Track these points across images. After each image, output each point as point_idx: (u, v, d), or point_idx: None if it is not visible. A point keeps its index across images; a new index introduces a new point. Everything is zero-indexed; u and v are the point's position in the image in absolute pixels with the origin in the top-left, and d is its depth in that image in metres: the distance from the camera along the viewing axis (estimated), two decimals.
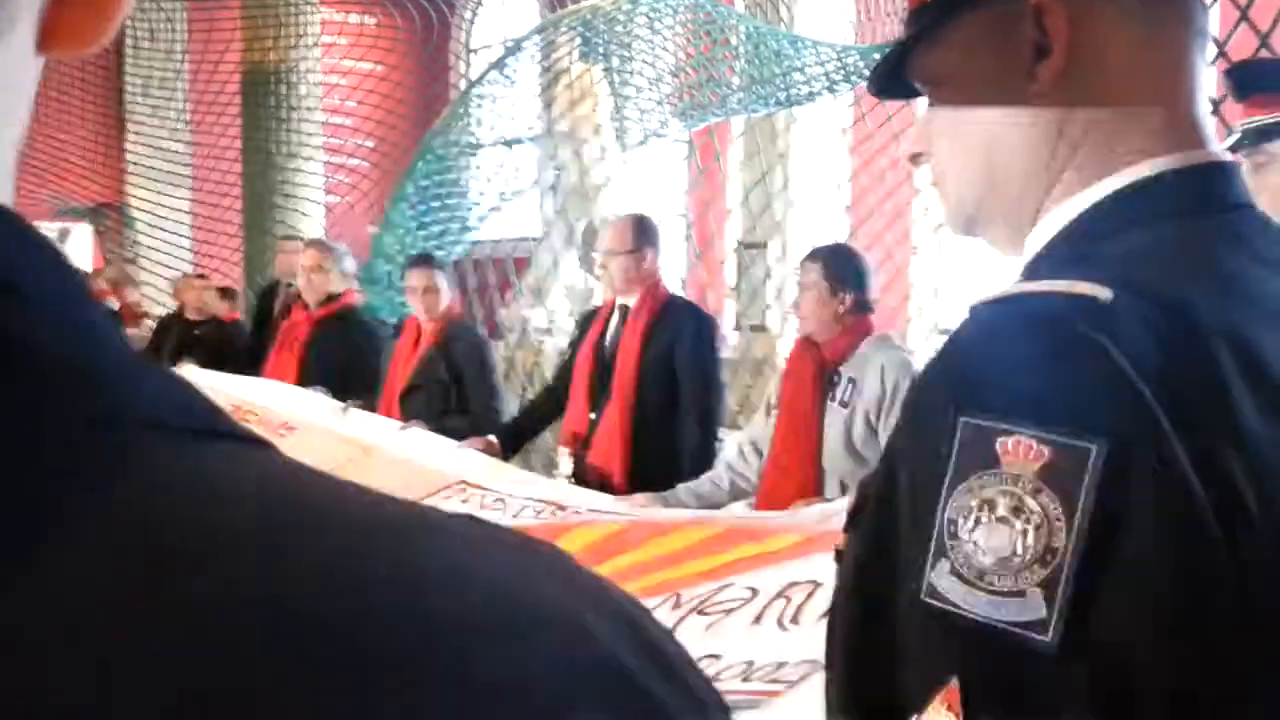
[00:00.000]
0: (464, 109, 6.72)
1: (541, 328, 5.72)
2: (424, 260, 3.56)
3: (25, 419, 0.22)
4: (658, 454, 2.79)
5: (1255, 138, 1.38)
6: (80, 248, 11.35)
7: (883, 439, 2.26)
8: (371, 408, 3.57)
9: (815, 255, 2.60)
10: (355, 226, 10.11)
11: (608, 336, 2.95)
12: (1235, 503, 0.53)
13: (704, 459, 2.78)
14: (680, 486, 2.57)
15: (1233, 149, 3.02)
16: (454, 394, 3.32)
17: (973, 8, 0.67)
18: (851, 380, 2.43)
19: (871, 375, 2.37)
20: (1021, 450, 0.54)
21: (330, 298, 3.68)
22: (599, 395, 2.89)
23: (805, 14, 8.45)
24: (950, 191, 0.74)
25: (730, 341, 9.24)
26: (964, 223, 0.75)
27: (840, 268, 2.53)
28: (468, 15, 13.53)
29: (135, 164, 10.78)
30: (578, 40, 6.53)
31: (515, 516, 2.49)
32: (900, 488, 0.62)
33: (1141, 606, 0.53)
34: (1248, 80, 1.49)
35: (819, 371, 2.48)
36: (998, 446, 0.55)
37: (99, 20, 0.28)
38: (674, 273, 6.25)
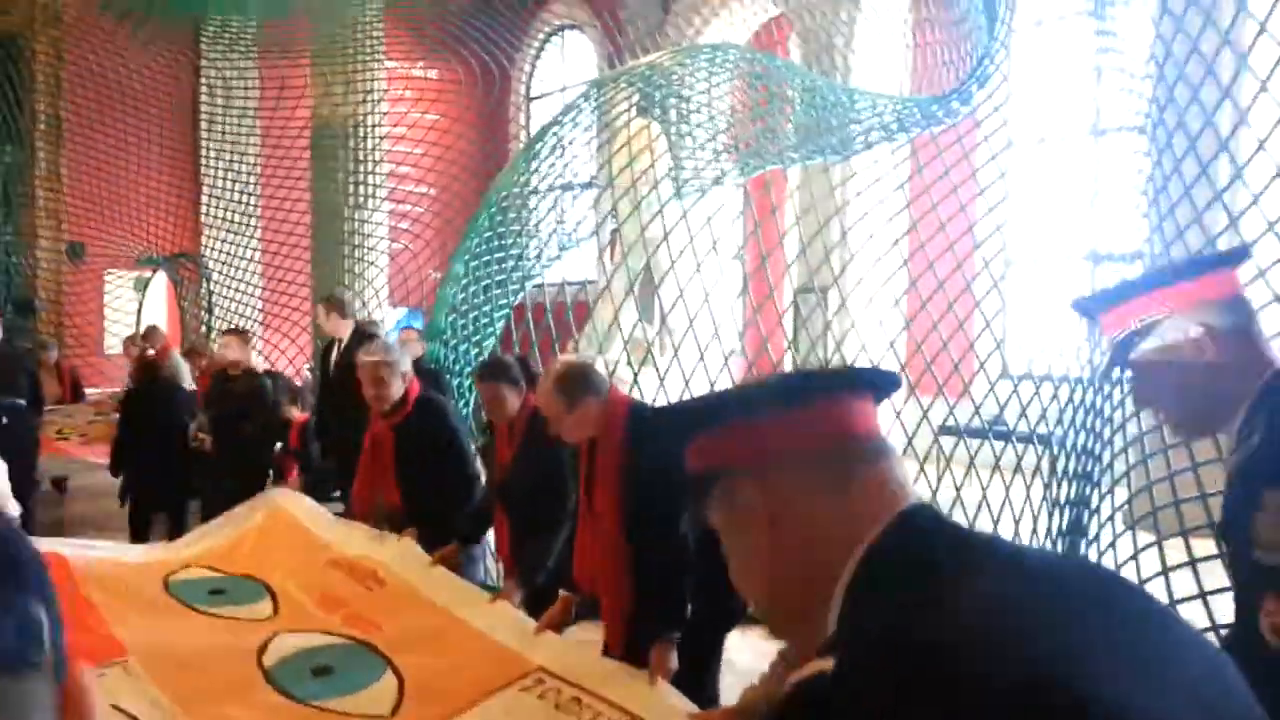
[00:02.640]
0: (524, 162, 6.89)
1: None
2: (482, 374, 3.52)
3: None
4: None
5: (1122, 352, 1.47)
6: (158, 294, 11.80)
7: None
8: (470, 492, 3.64)
9: None
10: (418, 272, 10.37)
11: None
12: None
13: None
14: None
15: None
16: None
17: (714, 484, 0.95)
18: None
19: None
20: None
21: (401, 402, 3.70)
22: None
23: (861, 66, 8.53)
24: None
25: None
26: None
27: None
28: (527, 68, 13.86)
29: (209, 215, 11.19)
30: (636, 95, 6.68)
31: None
32: None
33: None
34: (1087, 310, 1.61)
35: None
36: None
37: None
38: (731, 323, 6.28)
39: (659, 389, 5.36)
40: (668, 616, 2.71)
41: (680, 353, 5.39)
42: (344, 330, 6.19)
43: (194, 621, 3.07)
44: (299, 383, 10.19)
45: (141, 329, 11.41)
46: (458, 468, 3.69)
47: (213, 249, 11.15)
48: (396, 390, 3.66)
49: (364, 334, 6.32)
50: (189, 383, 6.80)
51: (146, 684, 2.57)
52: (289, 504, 3.93)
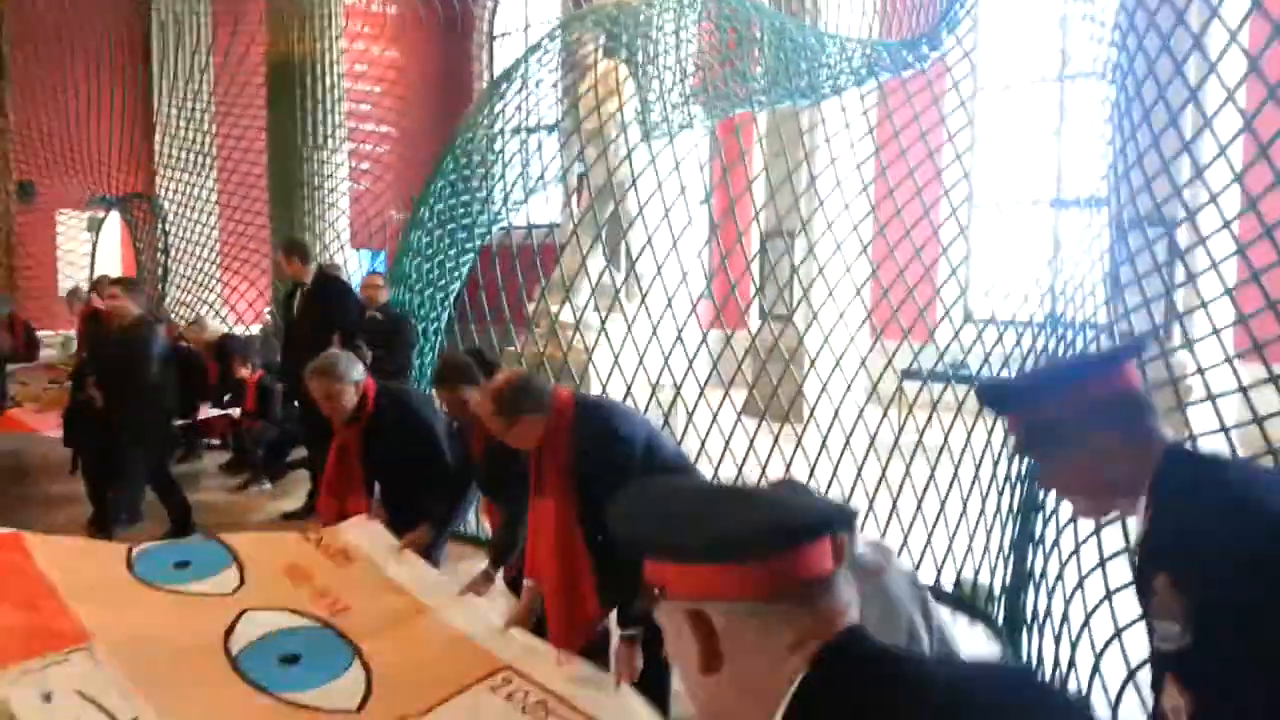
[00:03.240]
0: (489, 103, 6.76)
1: (569, 324, 5.76)
2: (439, 380, 3.51)
3: None
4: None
5: (1032, 447, 1.59)
6: (112, 235, 11.53)
7: None
8: (447, 476, 3.61)
9: None
10: (380, 214, 10.21)
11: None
12: None
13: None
14: None
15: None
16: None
17: (661, 597, 1.00)
18: None
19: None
20: None
21: (358, 410, 3.70)
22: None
23: (830, 7, 8.44)
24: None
25: (756, 333, 9.29)
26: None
27: None
28: (489, 5, 13.53)
29: (163, 155, 10.90)
30: (603, 35, 6.55)
31: None
32: None
33: None
34: (1002, 403, 1.72)
35: None
36: None
37: None
38: (700, 266, 6.27)
39: (626, 337, 5.36)
40: (629, 613, 2.77)
41: (648, 299, 5.38)
42: (306, 275, 6.12)
43: (159, 599, 3.00)
44: (256, 331, 10.07)
45: (94, 273, 11.19)
46: (430, 455, 3.66)
47: (167, 190, 10.89)
48: (351, 400, 3.64)
49: (326, 277, 6.25)
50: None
51: (113, 671, 2.54)
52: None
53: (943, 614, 2.51)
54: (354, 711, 2.49)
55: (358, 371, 3.70)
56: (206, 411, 7.28)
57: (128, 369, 5.44)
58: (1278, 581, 1.29)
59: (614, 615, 2.91)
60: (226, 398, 7.40)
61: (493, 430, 2.84)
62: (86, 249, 11.25)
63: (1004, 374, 5.12)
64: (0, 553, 3.15)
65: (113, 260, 11.61)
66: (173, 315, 10.64)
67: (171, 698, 2.45)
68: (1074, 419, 1.52)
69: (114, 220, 11.47)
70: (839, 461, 5.11)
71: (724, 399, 5.55)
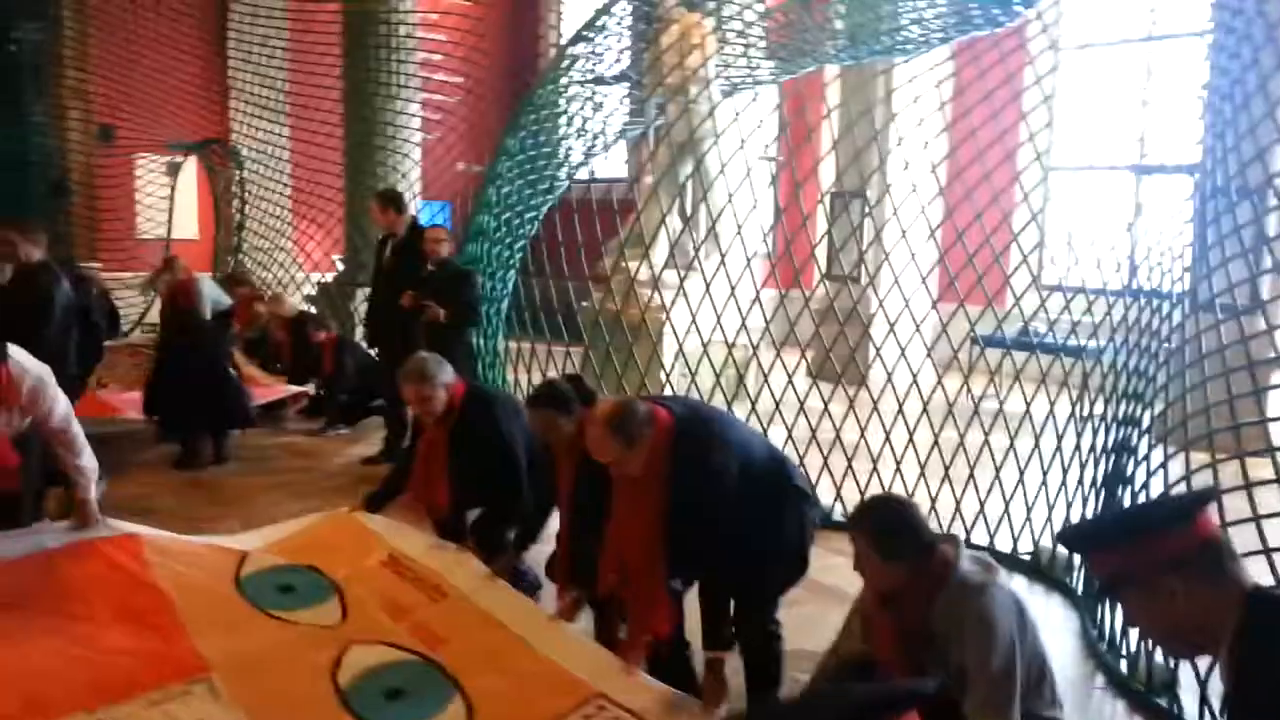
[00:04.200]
0: (567, 58, 6.76)
1: (645, 281, 5.79)
2: (535, 401, 3.49)
3: None
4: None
5: (1108, 590, 1.69)
6: (189, 180, 11.75)
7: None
8: (517, 489, 3.73)
9: (858, 522, 2.49)
10: (450, 166, 10.28)
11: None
12: None
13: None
14: None
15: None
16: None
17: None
18: (944, 638, 2.35)
19: (966, 632, 2.28)
20: None
21: (448, 407, 3.83)
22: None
23: None
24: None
25: (820, 291, 9.23)
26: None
27: (887, 534, 2.42)
28: None
29: (239, 101, 11.05)
30: None
31: None
32: None
33: None
34: (1074, 545, 1.92)
35: (900, 638, 2.44)
36: None
37: None
38: (761, 221, 6.24)
39: (704, 296, 5.38)
40: (715, 636, 2.87)
41: (726, 258, 5.40)
42: (400, 225, 6.22)
43: (267, 630, 3.17)
44: (327, 278, 10.24)
45: (173, 219, 11.43)
46: (504, 468, 3.79)
47: (242, 136, 11.06)
48: (441, 401, 3.83)
49: (419, 230, 6.31)
50: (224, 300, 6.77)
51: (229, 704, 2.73)
52: (350, 516, 3.97)
53: (1034, 620, 2.53)
54: None
55: (448, 374, 3.87)
56: (285, 390, 7.34)
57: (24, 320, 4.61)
58: None
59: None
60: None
61: (605, 456, 2.86)
62: (165, 192, 11.46)
63: (1083, 342, 5.06)
64: (118, 558, 3.37)
65: (191, 206, 11.84)
66: (245, 261, 10.87)
67: None
68: (1149, 569, 1.57)
69: (190, 166, 11.67)
70: (915, 427, 5.12)
71: (800, 361, 5.57)
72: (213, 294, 6.60)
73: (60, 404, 3.55)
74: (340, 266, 10.41)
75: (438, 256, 6.00)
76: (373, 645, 3.08)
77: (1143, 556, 1.57)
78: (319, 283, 10.36)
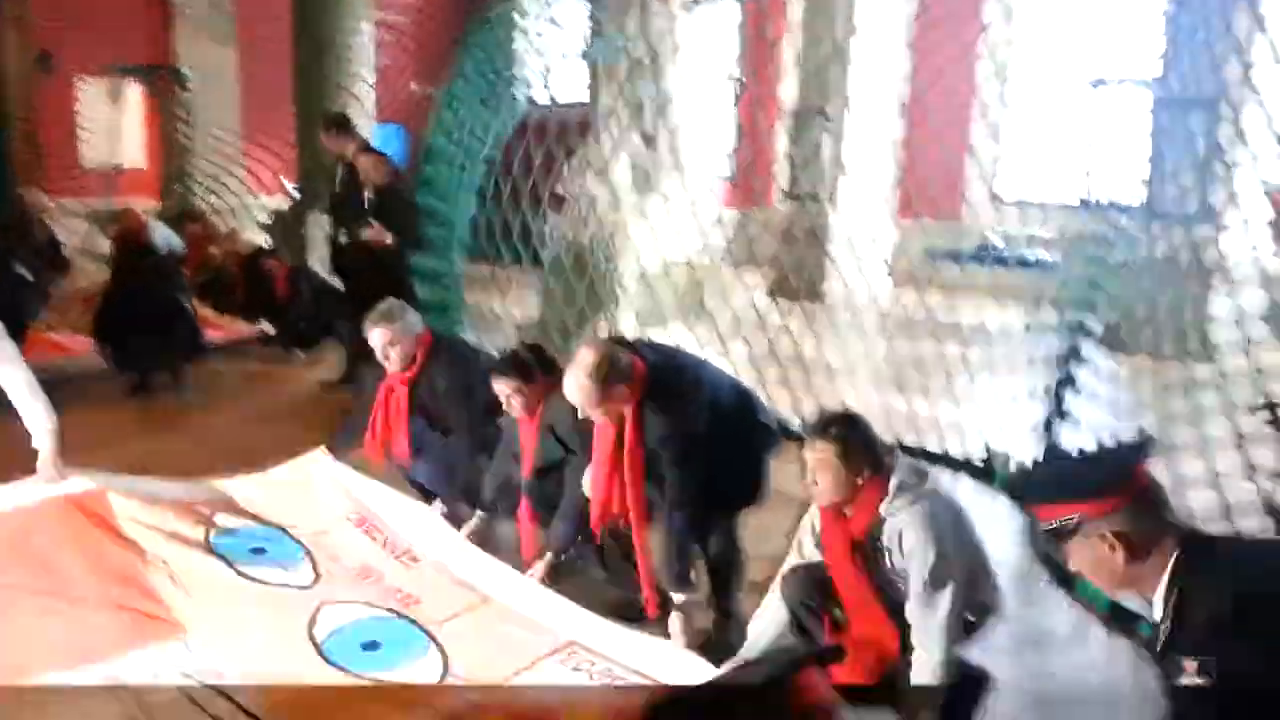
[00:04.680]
0: None
1: (606, 200, 5.77)
2: (496, 372, 3.53)
3: None
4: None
5: (1053, 538, 1.78)
6: (134, 106, 11.41)
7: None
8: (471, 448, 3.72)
9: (825, 431, 2.57)
10: (403, 86, 10.08)
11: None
12: None
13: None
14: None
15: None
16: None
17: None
18: (889, 550, 2.49)
19: (904, 542, 2.43)
20: None
21: (411, 361, 3.79)
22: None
23: None
24: None
25: (782, 209, 9.24)
26: None
27: (853, 444, 2.53)
28: None
29: (184, 22, 10.69)
30: None
31: (621, 691, 2.63)
32: None
33: None
34: (1022, 498, 1.97)
35: (854, 548, 2.55)
36: None
37: None
38: (721, 141, 6.21)
39: (665, 213, 5.39)
40: (683, 578, 2.97)
41: (685, 177, 5.39)
42: (349, 149, 6.09)
43: (243, 588, 3.21)
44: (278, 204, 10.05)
45: (123, 146, 11.11)
46: (466, 424, 3.76)
47: (187, 59, 10.72)
48: (408, 351, 3.77)
49: (370, 149, 6.19)
50: (176, 243, 6.63)
51: (209, 659, 2.81)
52: (321, 464, 3.94)
53: (971, 520, 2.65)
54: (435, 684, 2.75)
55: (414, 321, 3.84)
56: (240, 330, 7.24)
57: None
58: None
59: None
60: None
61: (589, 406, 2.93)
62: (108, 118, 11.12)
63: (1037, 256, 5.15)
64: (89, 515, 3.34)
65: (136, 133, 11.51)
66: (195, 188, 10.62)
67: (265, 681, 2.70)
68: (1091, 520, 1.70)
69: (135, 92, 11.31)
70: (872, 341, 5.21)
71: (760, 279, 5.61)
72: (165, 239, 6.47)
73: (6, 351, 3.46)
74: (293, 192, 10.22)
75: (373, 184, 5.83)
76: (346, 604, 3.15)
77: (1088, 510, 1.70)
78: (274, 211, 10.17)
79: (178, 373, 6.06)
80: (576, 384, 2.92)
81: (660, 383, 2.95)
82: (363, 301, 5.89)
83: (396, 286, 5.65)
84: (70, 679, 2.69)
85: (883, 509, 2.49)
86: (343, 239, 6.08)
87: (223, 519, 3.58)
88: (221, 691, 2.65)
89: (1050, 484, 1.89)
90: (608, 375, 2.88)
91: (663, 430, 2.92)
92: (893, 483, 2.51)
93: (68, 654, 2.78)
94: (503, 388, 3.45)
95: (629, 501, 3.00)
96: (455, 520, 3.67)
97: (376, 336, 3.78)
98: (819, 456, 2.54)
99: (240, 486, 3.84)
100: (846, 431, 2.55)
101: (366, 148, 6.16)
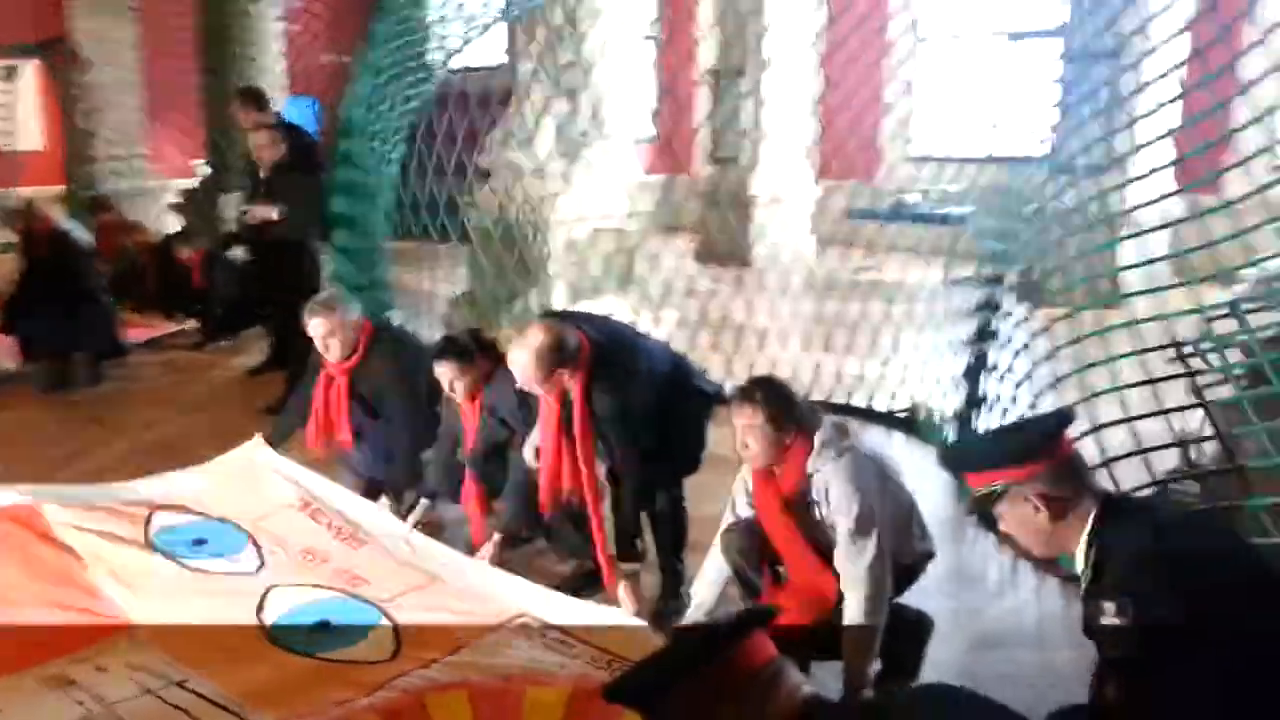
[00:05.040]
0: None
1: (532, 170, 5.73)
2: (437, 356, 3.52)
3: None
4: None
5: (984, 503, 1.93)
6: (27, 86, 10.91)
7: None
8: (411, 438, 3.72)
9: (751, 398, 2.63)
10: (314, 56, 9.83)
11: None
12: None
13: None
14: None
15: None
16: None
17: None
18: (817, 503, 2.59)
19: (830, 495, 2.54)
20: None
21: (352, 351, 3.76)
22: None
23: None
24: None
25: (703, 174, 9.29)
26: None
27: (778, 408, 2.61)
28: None
29: None
30: None
31: (573, 658, 2.70)
32: None
33: None
34: (954, 467, 2.10)
35: (785, 504, 2.64)
36: None
37: None
38: (642, 105, 6.20)
39: (590, 180, 5.39)
40: (631, 547, 3.05)
41: (608, 143, 5.39)
42: (257, 121, 5.92)
43: (184, 581, 3.16)
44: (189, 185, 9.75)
45: (16, 128, 10.64)
46: (407, 412, 3.75)
47: (83, 33, 10.27)
48: (349, 341, 3.74)
49: (286, 125, 6.04)
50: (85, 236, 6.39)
51: (158, 651, 2.77)
52: (261, 452, 3.87)
53: (897, 469, 2.78)
54: (388, 660, 2.76)
55: (354, 311, 3.82)
56: (163, 327, 7.02)
57: None
58: (1197, 603, 1.64)
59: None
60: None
61: (539, 385, 2.98)
62: (4, 101, 10.63)
63: (951, 211, 5.30)
64: (19, 525, 3.25)
65: (31, 114, 11.01)
66: (100, 171, 10.23)
67: (217, 668, 2.69)
68: (1018, 485, 1.85)
69: (28, 71, 10.81)
70: (798, 301, 5.32)
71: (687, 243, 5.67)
72: (76, 234, 6.24)
73: None
74: (202, 172, 9.92)
75: (267, 162, 5.58)
76: (293, 587, 3.14)
77: (1013, 476, 1.85)
78: (183, 190, 9.87)
79: (93, 364, 5.89)
80: (525, 363, 2.94)
81: (605, 359, 2.99)
82: (270, 283, 5.84)
83: (295, 266, 5.62)
84: (19, 683, 2.64)
85: (809, 465, 2.59)
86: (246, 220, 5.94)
87: (161, 517, 3.51)
88: (179, 683, 2.64)
89: (984, 454, 2.03)
90: (558, 354, 2.92)
91: (609, 404, 2.97)
92: (817, 440, 2.60)
93: (14, 658, 2.72)
94: (444, 373, 3.45)
95: (583, 476, 3.04)
96: (400, 509, 3.69)
97: (316, 326, 3.72)
98: (747, 422, 2.61)
99: (179, 480, 3.77)
100: (771, 396, 2.63)
101: (268, 124, 5.99)
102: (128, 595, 3.05)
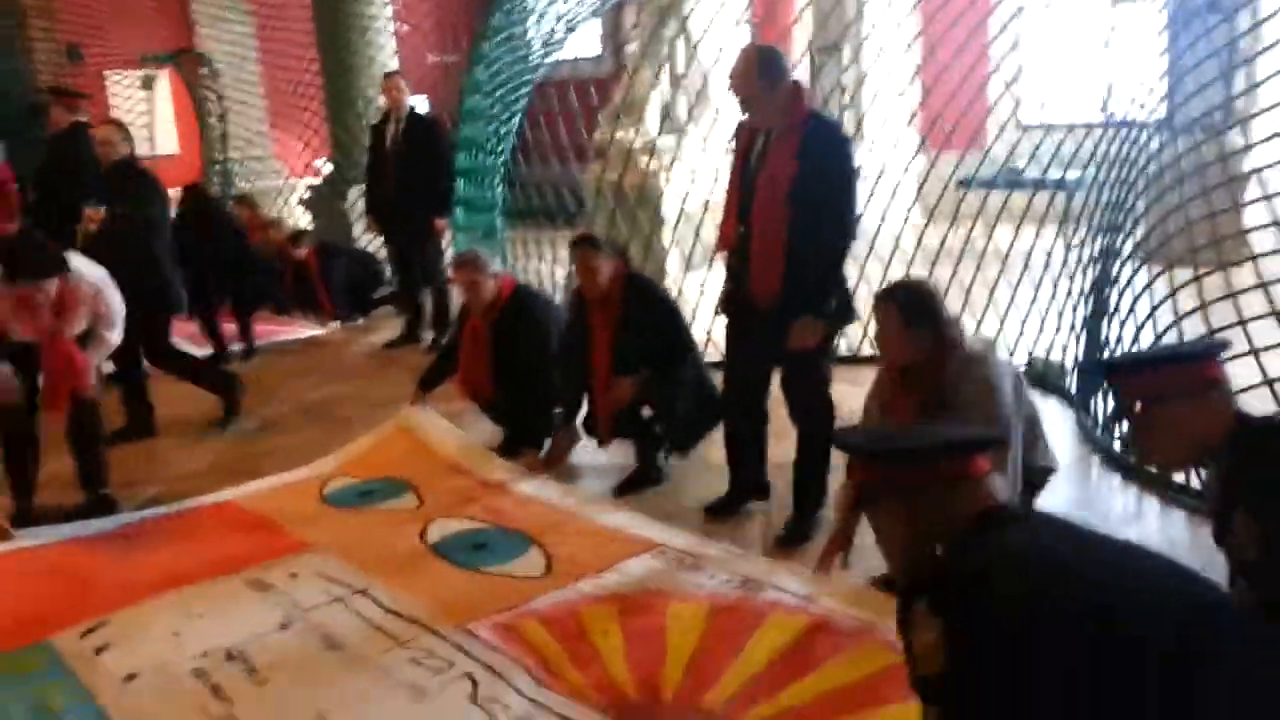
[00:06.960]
0: None
1: (639, 148, 5.92)
2: (577, 242, 3.94)
3: None
4: (801, 261, 3.09)
5: (1135, 403, 1.97)
6: (163, 94, 11.62)
7: None
8: (544, 383, 4.07)
9: (892, 296, 2.77)
10: (421, 57, 10.20)
11: (754, 157, 3.17)
12: None
13: (841, 256, 3.14)
14: None
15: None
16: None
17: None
18: (953, 405, 2.65)
19: (970, 395, 2.61)
20: None
21: (494, 299, 4.13)
22: (746, 210, 3.19)
23: None
24: None
25: None
26: None
27: (913, 309, 2.72)
28: None
29: (200, 6, 10.84)
30: None
31: (711, 578, 2.97)
32: None
33: None
34: (1113, 370, 2.15)
35: (920, 408, 2.71)
36: None
37: None
38: None
39: (700, 154, 5.54)
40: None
41: (718, 116, 5.53)
42: (403, 100, 6.25)
43: (357, 518, 3.64)
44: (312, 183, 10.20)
45: (154, 134, 11.31)
46: (541, 366, 4.08)
47: (209, 42, 10.90)
48: (489, 289, 4.13)
49: (415, 114, 6.40)
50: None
51: (339, 562, 3.21)
52: (417, 422, 4.33)
53: (1028, 389, 2.91)
54: (540, 577, 3.09)
55: (496, 266, 4.26)
56: (301, 329, 7.23)
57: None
58: None
59: None
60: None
61: (750, 108, 3.18)
62: (141, 108, 11.33)
63: (1058, 174, 5.27)
64: (214, 510, 3.79)
65: (168, 121, 11.72)
66: (234, 174, 10.80)
67: (390, 576, 3.09)
68: (1171, 391, 1.90)
69: (164, 80, 11.51)
70: (910, 267, 5.35)
71: None
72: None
73: (115, 306, 3.80)
74: (327, 170, 10.38)
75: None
76: (451, 519, 3.55)
77: (1168, 381, 1.91)
78: (310, 186, 10.37)
79: (248, 338, 6.44)
80: (739, 78, 3.15)
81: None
82: (402, 265, 6.34)
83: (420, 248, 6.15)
84: (227, 586, 3.07)
85: (949, 365, 2.67)
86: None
87: (332, 482, 4.03)
88: (361, 590, 2.99)
89: (1144, 358, 2.13)
90: (767, 69, 3.12)
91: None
92: (958, 345, 2.72)
93: (222, 561, 3.22)
94: (578, 261, 3.88)
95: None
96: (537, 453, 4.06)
97: (461, 276, 4.14)
98: (884, 319, 2.75)
99: (342, 456, 4.27)
100: (907, 296, 2.76)
101: (413, 110, 6.36)
102: (310, 528, 3.52)
